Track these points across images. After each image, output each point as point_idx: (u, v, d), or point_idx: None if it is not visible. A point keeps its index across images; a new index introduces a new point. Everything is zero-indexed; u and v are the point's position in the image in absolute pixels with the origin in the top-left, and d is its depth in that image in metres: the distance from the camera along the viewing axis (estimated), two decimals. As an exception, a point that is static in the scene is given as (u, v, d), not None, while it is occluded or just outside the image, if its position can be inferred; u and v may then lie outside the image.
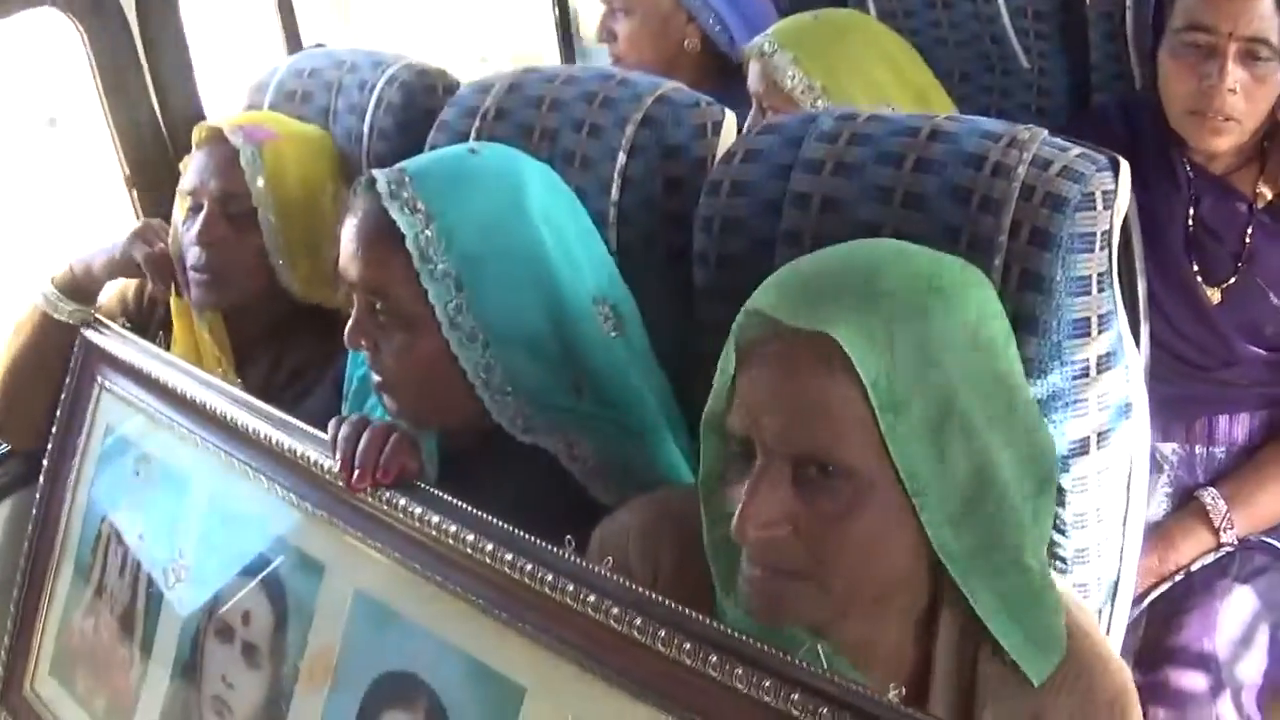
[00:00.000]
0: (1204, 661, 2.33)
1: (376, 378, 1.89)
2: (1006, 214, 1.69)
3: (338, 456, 1.77)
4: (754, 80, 2.70)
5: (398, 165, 1.90)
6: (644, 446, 1.91)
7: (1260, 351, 2.50)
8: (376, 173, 1.86)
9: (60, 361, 2.45)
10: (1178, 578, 2.45)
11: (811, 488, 1.36)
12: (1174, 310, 2.47)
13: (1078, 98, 3.13)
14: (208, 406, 2.04)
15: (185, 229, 2.43)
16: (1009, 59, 3.26)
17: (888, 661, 1.52)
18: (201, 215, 2.40)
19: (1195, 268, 2.50)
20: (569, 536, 1.55)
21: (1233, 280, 2.49)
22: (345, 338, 1.88)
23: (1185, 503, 2.54)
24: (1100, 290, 1.69)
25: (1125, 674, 1.53)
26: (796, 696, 1.30)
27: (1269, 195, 2.49)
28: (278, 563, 1.90)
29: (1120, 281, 1.74)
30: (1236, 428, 2.56)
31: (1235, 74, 2.34)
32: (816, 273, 1.43)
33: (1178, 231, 2.50)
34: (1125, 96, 2.82)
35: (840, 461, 1.34)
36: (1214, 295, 2.49)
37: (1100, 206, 1.67)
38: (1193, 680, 2.32)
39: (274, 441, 1.91)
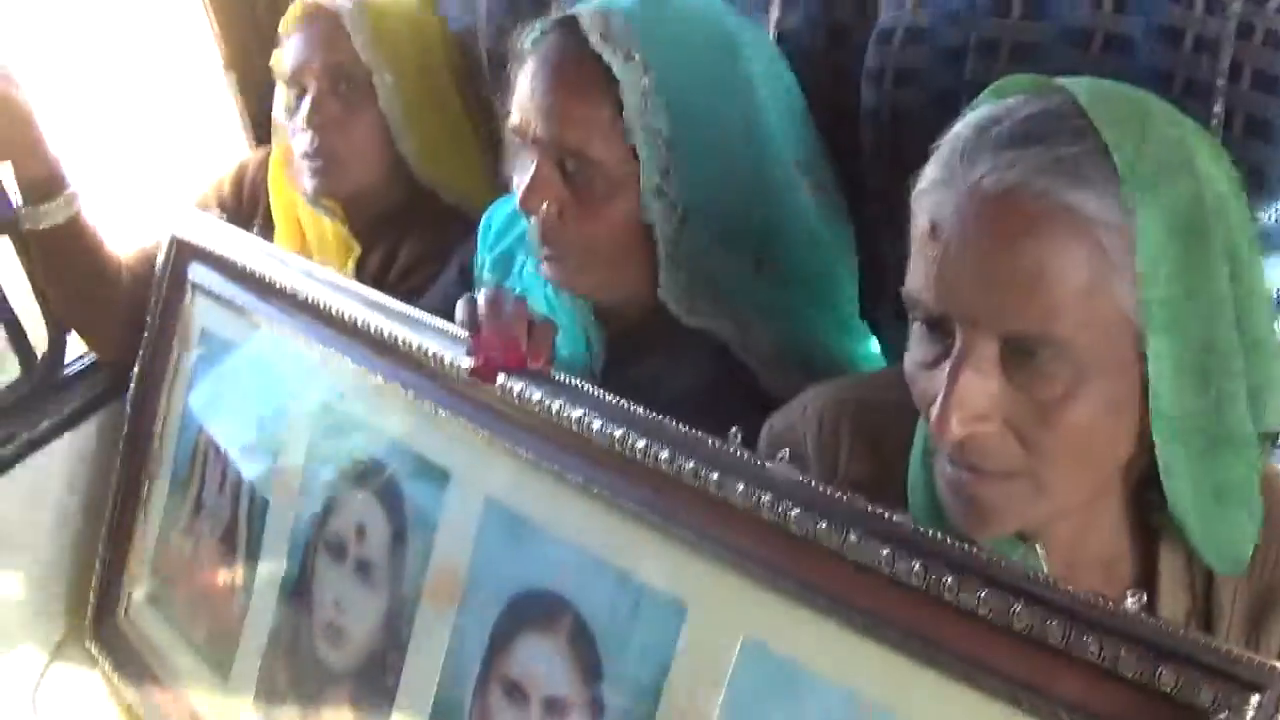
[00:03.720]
0: None
1: (547, 248, 1.73)
2: (1225, 55, 1.54)
3: (484, 329, 1.60)
4: None
5: (593, 3, 1.73)
6: (826, 331, 1.78)
7: None
8: (579, 10, 1.70)
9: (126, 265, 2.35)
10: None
11: (1024, 372, 1.20)
12: None
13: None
14: (314, 300, 1.90)
15: (291, 117, 2.31)
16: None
17: (1101, 570, 1.39)
18: (309, 97, 2.27)
19: None
20: (736, 428, 1.38)
21: None
22: (520, 201, 1.70)
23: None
24: None
25: None
26: (1020, 608, 1.14)
27: None
28: (395, 470, 1.77)
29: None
30: None
31: None
32: (1034, 114, 1.24)
33: None
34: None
35: (1060, 341, 1.18)
36: None
37: None
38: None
39: (389, 335, 1.76)
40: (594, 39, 1.65)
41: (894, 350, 1.81)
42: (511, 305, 1.60)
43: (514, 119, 1.71)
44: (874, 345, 1.85)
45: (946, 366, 1.22)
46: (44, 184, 2.17)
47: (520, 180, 1.71)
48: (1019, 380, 1.20)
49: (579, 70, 1.66)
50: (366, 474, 1.80)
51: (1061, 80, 1.28)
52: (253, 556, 1.97)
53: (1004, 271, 1.18)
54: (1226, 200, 1.25)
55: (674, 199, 1.67)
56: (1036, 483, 1.24)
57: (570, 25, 1.68)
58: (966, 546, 1.19)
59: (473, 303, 1.63)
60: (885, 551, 1.22)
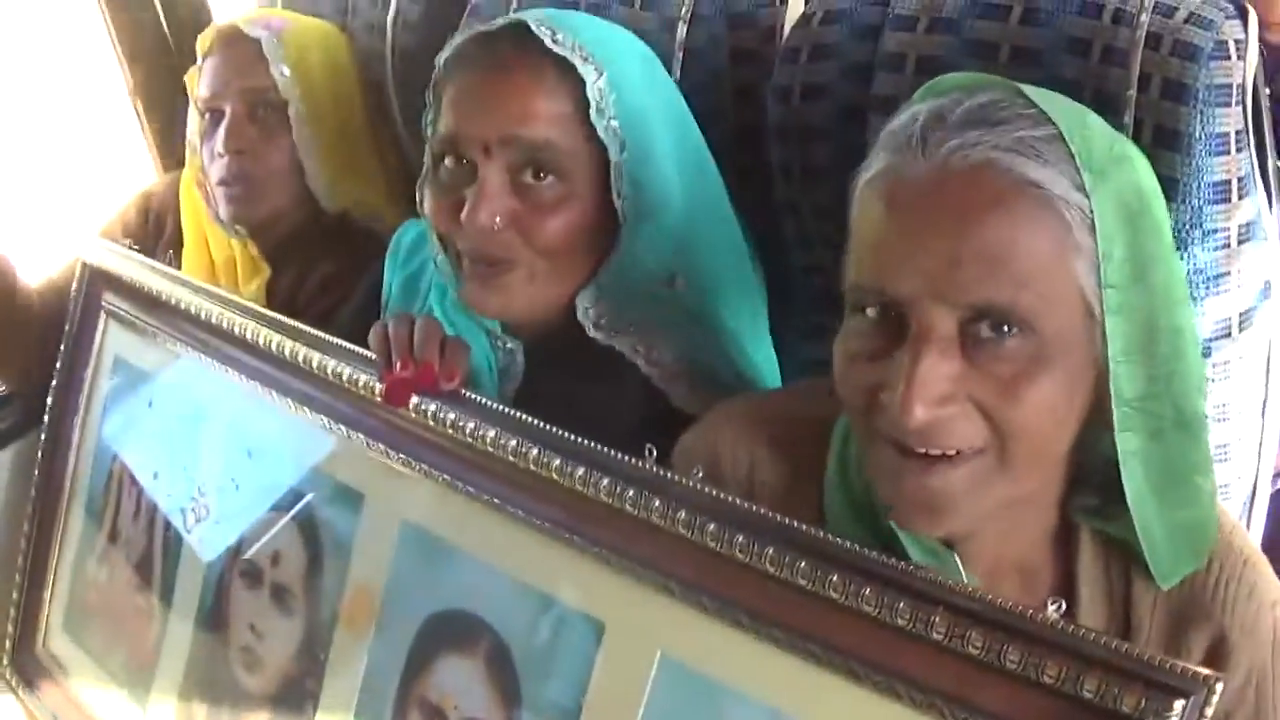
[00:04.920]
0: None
1: (481, 263, 1.69)
2: (1133, 65, 1.55)
3: (394, 357, 1.59)
4: None
5: (532, 13, 1.73)
6: (733, 345, 1.77)
7: None
8: (526, 16, 1.70)
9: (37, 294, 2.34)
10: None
11: (984, 351, 1.22)
12: None
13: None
14: (226, 326, 1.88)
15: (206, 142, 2.32)
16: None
17: (1021, 580, 1.40)
18: (225, 122, 2.28)
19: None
20: (650, 446, 1.39)
21: None
22: (470, 215, 1.65)
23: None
24: (1239, 150, 1.54)
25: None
26: (938, 618, 1.15)
27: None
28: (309, 495, 1.76)
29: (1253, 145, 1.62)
30: None
31: None
32: (989, 101, 1.27)
33: None
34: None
35: (1025, 314, 1.21)
36: None
37: (1234, 56, 1.54)
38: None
39: (302, 359, 1.74)
40: (549, 41, 1.65)
41: (798, 367, 1.82)
42: (422, 327, 1.59)
43: (450, 129, 1.69)
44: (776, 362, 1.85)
45: (900, 353, 1.22)
46: None
47: (441, 200, 1.70)
48: (980, 359, 1.22)
49: (538, 70, 1.65)
50: (281, 499, 1.79)
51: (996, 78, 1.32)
52: (168, 584, 1.96)
53: (974, 243, 1.20)
54: (1159, 204, 1.30)
55: (628, 200, 1.67)
56: (1000, 461, 1.25)
57: (519, 30, 1.68)
58: (883, 557, 1.20)
59: (384, 327, 1.62)
60: (802, 564, 1.23)
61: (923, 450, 1.24)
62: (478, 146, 1.65)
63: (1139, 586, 1.36)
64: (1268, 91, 2.25)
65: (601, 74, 1.65)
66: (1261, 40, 2.23)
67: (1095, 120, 1.31)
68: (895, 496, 1.28)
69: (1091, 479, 1.35)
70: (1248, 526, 1.72)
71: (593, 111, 1.64)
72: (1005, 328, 1.21)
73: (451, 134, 1.68)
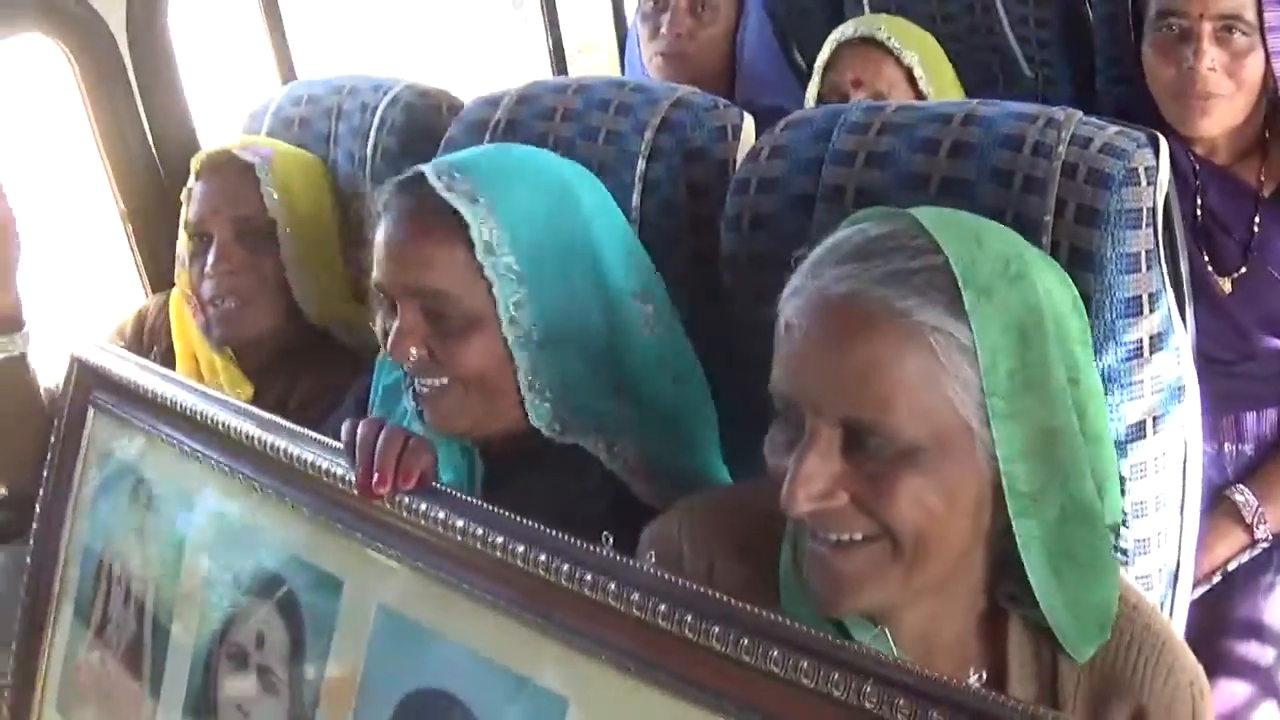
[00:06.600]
0: (1250, 665, 2.29)
1: (423, 386, 1.82)
2: (1051, 193, 1.67)
3: (357, 459, 1.67)
4: (851, 68, 2.97)
5: (435, 161, 1.84)
6: (684, 447, 1.86)
7: (1278, 342, 2.52)
8: (424, 167, 1.81)
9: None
10: (1216, 579, 2.43)
11: (861, 451, 1.34)
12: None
13: (1083, 105, 3.07)
14: (211, 419, 1.94)
15: (195, 264, 2.39)
16: (1011, 68, 3.27)
17: (952, 658, 1.48)
18: (215, 245, 2.36)
19: (1205, 257, 2.53)
20: (606, 533, 1.47)
21: (1243, 270, 2.52)
22: (391, 349, 1.79)
23: (1216, 503, 2.51)
24: (1149, 268, 1.66)
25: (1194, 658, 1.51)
26: (869, 688, 1.22)
27: (1272, 186, 2.54)
28: (291, 581, 1.82)
29: (1164, 260, 1.71)
30: (1264, 424, 2.56)
31: (1211, 53, 2.42)
32: (880, 235, 1.40)
33: (1185, 222, 2.48)
34: (1125, 98, 2.81)
35: (891, 429, 1.32)
36: (1225, 285, 2.52)
37: (1144, 182, 1.65)
38: (1239, 685, 2.29)
39: (283, 452, 1.81)
40: (439, 188, 1.75)
41: (751, 467, 1.88)
42: (386, 435, 1.67)
43: (375, 275, 1.81)
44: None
45: (795, 450, 1.35)
46: (5, 320, 2.19)
47: (382, 329, 1.82)
48: (857, 460, 1.33)
49: (431, 218, 1.76)
50: (265, 585, 1.85)
51: (909, 209, 1.43)
52: (158, 670, 2.00)
53: (843, 365, 1.33)
54: (1066, 316, 1.42)
55: (529, 329, 1.77)
56: (894, 549, 1.35)
57: (418, 180, 1.79)
58: (817, 632, 1.28)
59: (354, 425, 1.70)
60: (745, 641, 1.29)
61: (821, 534, 1.36)
62: (391, 293, 1.79)
63: (1064, 665, 1.46)
64: (1199, 200, 2.42)
65: (493, 212, 1.76)
66: (1194, 157, 2.39)
67: (993, 242, 1.41)
68: (814, 579, 1.40)
69: (1012, 568, 1.42)
70: (1170, 616, 1.79)
71: (479, 252, 1.75)
72: (876, 436, 1.32)
73: (375, 281, 1.81)
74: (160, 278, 2.76)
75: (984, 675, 1.27)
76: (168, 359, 2.51)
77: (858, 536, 1.36)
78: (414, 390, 1.84)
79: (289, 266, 2.37)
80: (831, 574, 1.38)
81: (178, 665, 1.97)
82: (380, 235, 1.82)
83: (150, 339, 2.59)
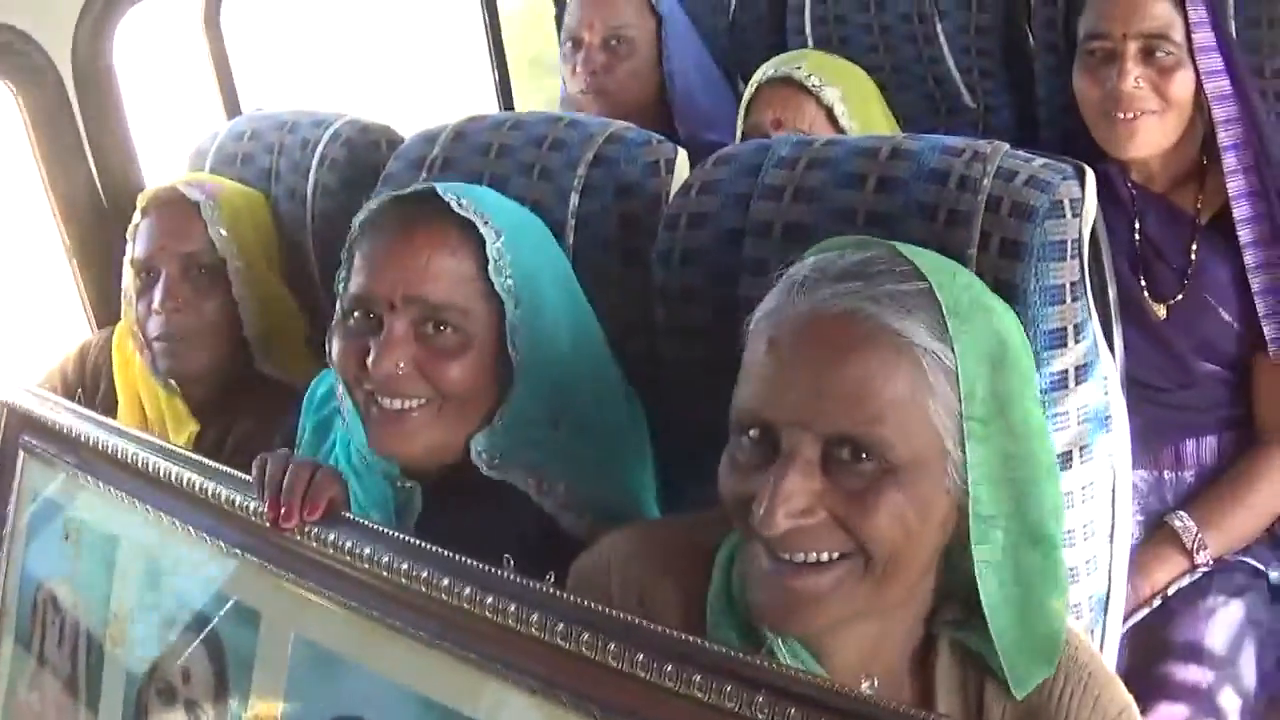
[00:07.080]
0: (1190, 688, 2.30)
1: (390, 405, 1.80)
2: (975, 226, 1.69)
3: (265, 494, 1.67)
4: (771, 107, 2.95)
5: (441, 183, 1.86)
6: (616, 480, 1.87)
7: (1216, 369, 2.54)
8: (436, 185, 1.83)
9: None
10: (1155, 603, 2.44)
11: (841, 470, 1.36)
12: (1125, 329, 2.52)
13: (1025, 134, 3.12)
14: (130, 457, 1.95)
15: (141, 300, 2.40)
16: (953, 98, 3.29)
17: (882, 685, 1.48)
18: (161, 281, 2.37)
19: (1142, 284, 2.55)
20: (507, 556, 1.47)
21: (1180, 296, 2.53)
22: (376, 360, 1.76)
23: (1157, 529, 2.53)
24: (1074, 299, 1.68)
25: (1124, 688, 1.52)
26: (793, 711, 1.23)
27: (1209, 213, 2.55)
28: (214, 615, 1.83)
29: (1091, 290, 1.73)
30: (1204, 451, 2.58)
31: (1135, 71, 2.46)
32: (865, 259, 1.43)
33: (1123, 249, 2.56)
34: (1068, 127, 2.82)
35: (879, 445, 1.35)
36: (1160, 310, 2.54)
37: (1069, 214, 1.67)
38: (1179, 709, 2.29)
39: (198, 488, 1.81)
40: (454, 205, 1.77)
41: (679, 498, 1.90)
42: (293, 469, 1.67)
43: (361, 286, 1.79)
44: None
45: (770, 470, 1.35)
46: None
47: (348, 346, 1.81)
48: (837, 477, 1.34)
49: (442, 232, 1.77)
50: (190, 622, 1.85)
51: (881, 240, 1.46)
52: (93, 704, 2.01)
53: (836, 380, 1.34)
54: (1021, 350, 1.45)
55: (519, 355, 1.79)
56: (865, 567, 1.36)
57: (428, 196, 1.80)
58: (742, 655, 1.29)
59: (263, 461, 1.70)
60: (669, 667, 1.30)
61: (787, 556, 1.36)
62: (385, 303, 1.77)
63: (990, 695, 1.47)
64: (1138, 226, 2.44)
65: (500, 235, 1.78)
66: (1132, 184, 2.41)
67: (965, 275, 1.47)
68: (763, 596, 1.40)
69: (956, 593, 1.46)
70: (1101, 647, 1.79)
71: (491, 269, 1.77)
72: (861, 454, 1.34)
73: (361, 292, 1.79)
74: (105, 314, 2.78)
75: (875, 682, 1.30)
76: (110, 396, 2.53)
77: (831, 555, 1.37)
78: (365, 412, 1.84)
79: (241, 302, 2.39)
80: (788, 594, 1.38)
81: (111, 701, 1.99)
82: (373, 245, 1.81)
83: (93, 376, 2.60)
